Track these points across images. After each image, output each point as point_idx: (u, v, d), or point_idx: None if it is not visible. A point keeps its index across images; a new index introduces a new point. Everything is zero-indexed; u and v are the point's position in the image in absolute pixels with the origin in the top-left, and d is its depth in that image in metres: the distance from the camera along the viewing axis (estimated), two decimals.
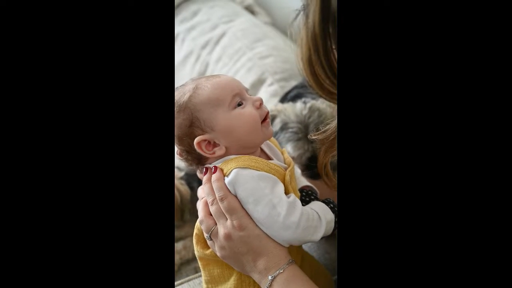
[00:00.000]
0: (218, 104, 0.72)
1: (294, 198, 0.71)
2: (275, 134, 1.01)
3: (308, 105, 1.02)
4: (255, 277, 0.71)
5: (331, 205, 0.75)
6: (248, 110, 0.73)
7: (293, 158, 1.00)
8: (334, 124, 0.72)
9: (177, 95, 0.74)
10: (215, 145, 0.73)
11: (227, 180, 0.71)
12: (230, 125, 0.72)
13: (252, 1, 1.94)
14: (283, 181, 0.72)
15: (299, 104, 1.03)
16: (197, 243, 0.78)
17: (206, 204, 0.74)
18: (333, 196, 0.76)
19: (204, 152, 0.72)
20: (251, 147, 0.74)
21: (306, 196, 0.78)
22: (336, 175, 0.61)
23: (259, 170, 0.70)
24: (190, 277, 0.99)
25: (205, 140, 0.72)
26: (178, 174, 1.20)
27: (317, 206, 0.74)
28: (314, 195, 0.80)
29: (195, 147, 0.72)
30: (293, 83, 1.41)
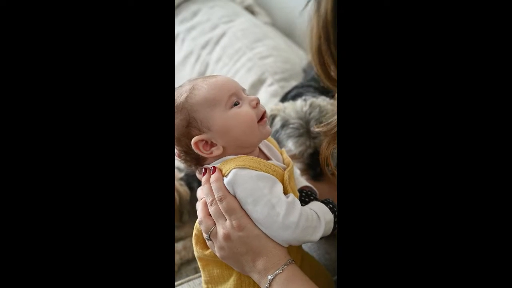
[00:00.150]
0: (215, 104, 0.72)
1: (293, 198, 0.71)
2: (276, 133, 1.01)
3: (309, 102, 1.02)
4: (255, 277, 0.71)
5: (330, 205, 0.75)
6: (244, 109, 0.73)
7: (294, 155, 0.99)
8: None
9: (174, 96, 0.74)
10: (212, 145, 0.73)
11: (226, 180, 0.71)
12: (226, 125, 0.72)
13: (252, 1, 1.94)
14: (282, 181, 0.72)
15: (299, 102, 1.03)
16: (196, 243, 0.78)
17: (205, 204, 0.74)
18: (333, 196, 0.76)
19: (202, 152, 0.72)
20: (248, 147, 0.74)
21: (306, 197, 0.78)
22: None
23: (257, 170, 0.70)
24: (190, 277, 0.99)
25: (202, 140, 0.72)
26: (177, 175, 1.20)
27: (316, 206, 0.74)
28: (314, 195, 0.80)
29: (193, 147, 0.72)
30: (293, 83, 1.41)
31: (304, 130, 0.98)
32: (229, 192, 0.71)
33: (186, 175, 1.21)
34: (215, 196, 0.71)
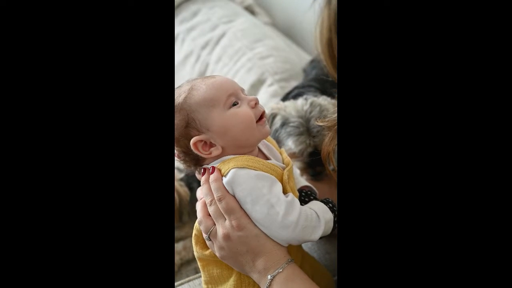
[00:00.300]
0: (213, 104, 0.72)
1: (293, 197, 0.71)
2: (276, 132, 1.01)
3: (310, 101, 1.02)
4: (255, 277, 0.71)
5: (330, 205, 0.75)
6: (243, 109, 0.73)
7: (294, 153, 0.99)
8: None
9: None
10: (211, 145, 0.73)
11: (225, 180, 0.71)
12: (225, 125, 0.72)
13: (252, 1, 1.94)
14: (281, 181, 0.72)
15: (300, 101, 1.03)
16: (196, 243, 0.78)
17: (205, 204, 0.74)
18: (333, 196, 0.76)
19: (201, 152, 0.72)
20: (247, 147, 0.74)
21: (305, 196, 0.78)
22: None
23: (257, 170, 0.70)
24: (190, 277, 0.99)
25: (201, 141, 0.72)
26: (177, 175, 1.20)
27: (316, 206, 0.74)
28: (313, 195, 0.80)
29: (192, 147, 0.72)
30: (293, 83, 1.41)
31: (304, 129, 0.98)
32: (228, 192, 0.71)
33: (186, 175, 1.21)
34: (214, 196, 0.71)
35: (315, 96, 1.06)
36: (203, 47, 1.71)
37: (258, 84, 1.51)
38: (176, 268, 1.17)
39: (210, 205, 0.72)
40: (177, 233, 1.20)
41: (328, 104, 1.00)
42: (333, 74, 0.67)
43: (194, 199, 1.14)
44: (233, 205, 0.70)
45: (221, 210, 0.71)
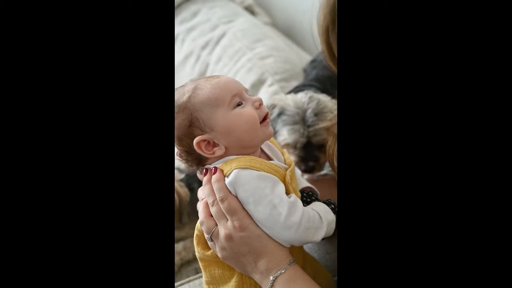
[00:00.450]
0: (218, 104, 0.72)
1: (295, 198, 0.71)
2: (273, 122, 1.01)
3: (309, 95, 1.02)
4: (256, 277, 0.71)
5: (332, 206, 0.75)
6: (247, 110, 0.73)
7: (288, 144, 0.99)
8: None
9: (177, 95, 0.74)
10: (214, 145, 0.73)
11: (227, 180, 0.70)
12: (229, 125, 0.72)
13: (252, 1, 1.94)
14: (284, 181, 0.72)
15: (300, 94, 1.04)
16: (197, 244, 0.78)
17: (207, 205, 0.74)
18: (334, 197, 0.76)
19: (204, 152, 0.72)
20: (250, 147, 0.74)
21: (307, 197, 0.78)
22: None
23: (259, 170, 0.70)
24: (190, 278, 0.99)
25: (204, 140, 0.72)
26: (177, 176, 1.20)
27: (318, 207, 0.74)
28: (315, 196, 0.80)
29: (195, 147, 0.72)
30: (293, 83, 1.41)
31: (300, 118, 0.98)
32: (230, 193, 0.71)
33: (187, 175, 1.21)
34: (217, 196, 0.71)
35: (316, 92, 1.07)
36: (203, 47, 1.71)
37: (258, 84, 1.51)
38: (176, 269, 1.17)
39: (212, 205, 0.72)
40: (178, 233, 1.20)
41: (328, 101, 1.00)
42: (327, 58, 0.68)
43: (194, 200, 1.14)
44: (235, 206, 0.70)
45: (223, 211, 0.71)
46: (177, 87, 0.77)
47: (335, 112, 0.71)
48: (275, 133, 0.99)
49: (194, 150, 0.73)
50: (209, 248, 0.76)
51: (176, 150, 0.76)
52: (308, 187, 0.82)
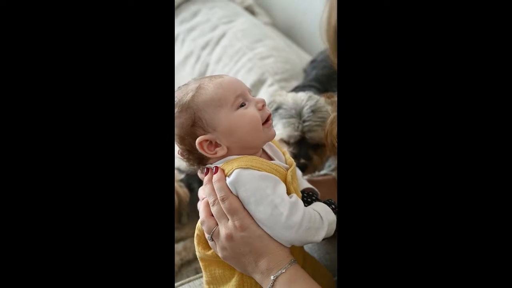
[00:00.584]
0: (221, 104, 0.72)
1: (296, 198, 0.71)
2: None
3: (309, 94, 1.03)
4: (257, 277, 0.71)
5: (333, 206, 0.75)
6: (250, 111, 0.73)
7: (282, 139, 0.99)
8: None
9: (180, 94, 0.74)
10: (216, 145, 0.73)
11: (228, 180, 0.70)
12: (232, 125, 0.72)
13: (252, 1, 1.94)
14: (285, 181, 0.72)
15: (300, 93, 1.05)
16: (198, 244, 0.78)
17: (207, 204, 0.74)
18: (334, 197, 0.76)
19: (206, 152, 0.72)
20: (252, 148, 0.74)
21: (308, 197, 0.78)
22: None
23: (260, 170, 0.70)
24: (191, 278, 0.99)
25: (207, 140, 0.72)
26: (177, 176, 1.20)
27: (319, 207, 0.74)
28: (315, 196, 0.80)
29: (197, 147, 0.72)
30: (293, 83, 1.41)
31: (296, 113, 0.99)
32: (231, 192, 0.71)
33: (187, 175, 1.21)
34: (218, 196, 0.71)
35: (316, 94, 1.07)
36: (203, 47, 1.71)
37: (258, 84, 1.51)
38: (176, 269, 1.17)
39: (213, 205, 0.72)
40: (178, 233, 1.20)
41: (327, 105, 1.00)
42: (331, 55, 0.68)
43: (194, 200, 1.14)
44: (236, 206, 0.70)
45: (224, 211, 0.71)
46: (180, 86, 0.76)
47: (333, 114, 0.71)
48: None
49: (196, 150, 0.73)
50: (209, 248, 0.76)
51: (177, 149, 0.76)
52: (308, 188, 0.82)
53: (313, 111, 0.98)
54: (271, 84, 1.48)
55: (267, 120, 0.74)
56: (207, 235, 0.74)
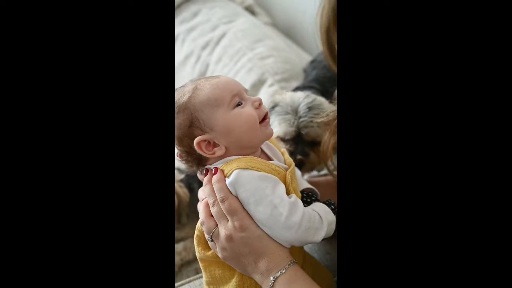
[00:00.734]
0: (218, 104, 0.72)
1: (296, 198, 0.71)
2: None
3: (307, 93, 1.03)
4: (257, 278, 0.71)
5: (332, 207, 0.75)
6: (247, 110, 0.73)
7: (278, 136, 0.99)
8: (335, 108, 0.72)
9: (177, 96, 0.74)
10: (215, 145, 0.73)
11: (228, 181, 0.70)
12: (229, 125, 0.72)
13: (252, 1, 1.94)
14: (284, 182, 0.72)
15: (299, 93, 1.05)
16: (198, 244, 0.78)
17: (207, 205, 0.74)
18: (334, 197, 0.76)
19: (204, 152, 0.72)
20: (250, 147, 0.74)
21: (307, 198, 0.78)
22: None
23: (260, 171, 0.70)
24: (191, 278, 0.99)
25: (205, 140, 0.72)
26: (177, 176, 1.20)
27: (319, 208, 0.74)
28: (315, 196, 0.80)
29: (195, 147, 0.72)
30: (293, 83, 1.41)
31: (291, 109, 0.99)
32: (231, 193, 0.71)
33: (187, 175, 1.21)
34: (217, 197, 0.71)
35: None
36: (204, 47, 1.71)
37: (258, 84, 1.51)
38: (176, 269, 1.17)
39: (213, 205, 0.72)
40: (178, 234, 1.20)
41: (325, 102, 1.00)
42: (328, 59, 0.68)
43: (194, 200, 1.14)
44: (235, 206, 0.70)
45: (224, 211, 0.71)
46: (177, 88, 0.77)
47: (331, 113, 0.71)
48: None
49: (195, 151, 0.73)
50: (209, 248, 0.77)
51: (176, 150, 0.77)
52: (308, 188, 0.82)
53: (310, 108, 0.98)
54: (271, 84, 1.48)
55: (264, 119, 0.74)
56: (207, 236, 0.74)
